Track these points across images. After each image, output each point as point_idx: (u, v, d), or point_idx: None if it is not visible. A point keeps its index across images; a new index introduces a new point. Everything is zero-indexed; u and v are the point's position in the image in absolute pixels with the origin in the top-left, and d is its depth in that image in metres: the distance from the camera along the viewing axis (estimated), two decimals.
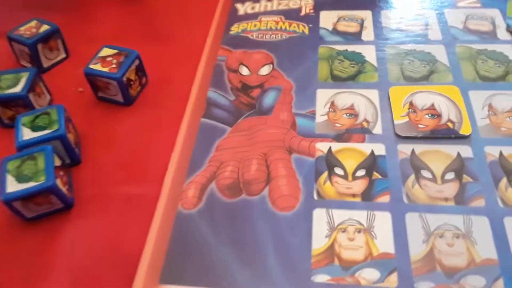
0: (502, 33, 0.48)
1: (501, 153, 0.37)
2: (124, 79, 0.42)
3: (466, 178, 0.36)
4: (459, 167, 0.36)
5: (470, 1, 0.52)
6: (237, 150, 0.39)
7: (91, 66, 0.43)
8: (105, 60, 0.43)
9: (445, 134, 0.39)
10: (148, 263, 0.33)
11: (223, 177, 0.37)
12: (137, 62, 0.44)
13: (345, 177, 0.37)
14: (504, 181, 0.35)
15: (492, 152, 0.37)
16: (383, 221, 0.34)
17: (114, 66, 0.42)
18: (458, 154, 0.37)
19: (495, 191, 0.35)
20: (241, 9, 0.54)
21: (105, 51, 0.44)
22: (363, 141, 0.39)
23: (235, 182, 0.37)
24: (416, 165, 0.37)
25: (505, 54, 0.45)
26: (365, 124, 0.40)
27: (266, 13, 0.53)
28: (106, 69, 0.42)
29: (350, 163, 0.38)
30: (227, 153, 0.39)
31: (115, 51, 0.44)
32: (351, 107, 0.42)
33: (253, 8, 0.54)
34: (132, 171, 0.38)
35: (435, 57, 0.45)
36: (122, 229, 0.35)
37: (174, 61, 0.48)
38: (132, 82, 0.43)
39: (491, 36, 0.47)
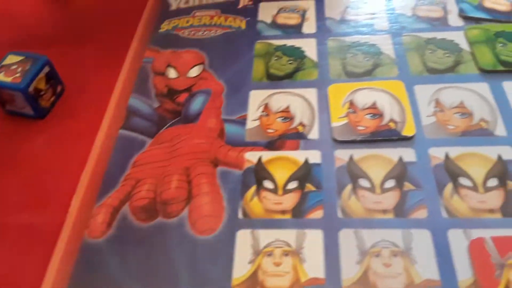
0: (453, 19, 0.43)
1: (447, 155, 0.33)
2: (31, 89, 0.37)
3: (407, 185, 0.32)
4: (400, 173, 0.32)
5: None
6: (157, 165, 0.35)
7: None
8: (9, 69, 0.38)
9: (387, 136, 0.35)
10: None
11: (138, 198, 0.33)
12: (46, 69, 0.39)
13: (274, 191, 0.33)
14: (449, 187, 0.31)
15: (438, 154, 0.33)
16: (314, 241, 0.30)
17: (18, 75, 0.38)
18: (400, 159, 0.33)
19: (439, 200, 0.31)
20: (174, 3, 0.49)
21: (10, 59, 0.39)
22: (297, 148, 0.35)
23: (152, 203, 0.33)
24: (353, 174, 0.33)
25: (456, 42, 0.41)
26: (300, 128, 0.36)
27: (202, 7, 0.48)
28: (9, 79, 0.37)
29: (281, 175, 0.33)
30: (145, 169, 0.35)
31: (21, 57, 0.39)
32: (286, 110, 0.38)
33: (187, 2, 0.49)
34: (36, 195, 0.34)
35: (380, 49, 0.41)
36: (18, 265, 0.30)
37: (96, 65, 0.43)
38: (42, 92, 0.39)
39: (441, 22, 0.44)
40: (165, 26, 0.47)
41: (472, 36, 0.41)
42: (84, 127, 0.38)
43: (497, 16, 0.43)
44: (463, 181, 0.32)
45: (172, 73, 0.42)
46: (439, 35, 0.42)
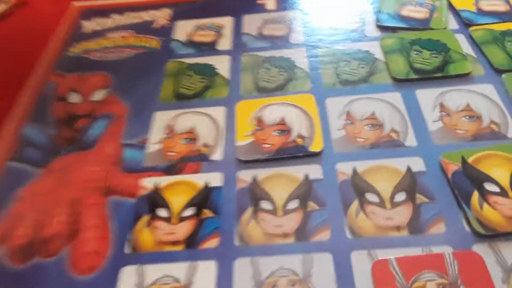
0: (370, 29, 0.42)
1: (354, 170, 0.31)
2: None
3: (311, 205, 0.29)
4: (304, 192, 0.30)
5: None
6: (42, 198, 0.31)
7: None
8: None
9: (293, 152, 0.32)
10: None
11: (15, 236, 0.30)
12: None
13: (168, 219, 0.30)
14: (355, 204, 0.29)
15: (345, 169, 0.31)
16: (205, 274, 0.27)
17: None
18: (306, 177, 0.31)
19: (344, 219, 0.28)
20: (87, 26, 0.47)
21: None
22: (198, 171, 0.32)
23: (31, 241, 0.29)
24: (255, 195, 0.30)
25: (371, 52, 0.40)
26: (203, 149, 0.34)
27: (116, 28, 0.46)
28: None
29: (177, 201, 0.30)
30: (29, 203, 0.31)
31: None
32: (190, 131, 0.35)
33: (100, 24, 0.47)
34: None
35: (294, 63, 0.40)
36: None
37: None
38: None
39: (359, 33, 0.42)
40: (75, 49, 0.44)
41: (386, 45, 0.40)
42: None
43: (414, 24, 0.42)
44: (370, 197, 0.29)
45: (74, 98, 0.39)
46: (356, 46, 0.41)
